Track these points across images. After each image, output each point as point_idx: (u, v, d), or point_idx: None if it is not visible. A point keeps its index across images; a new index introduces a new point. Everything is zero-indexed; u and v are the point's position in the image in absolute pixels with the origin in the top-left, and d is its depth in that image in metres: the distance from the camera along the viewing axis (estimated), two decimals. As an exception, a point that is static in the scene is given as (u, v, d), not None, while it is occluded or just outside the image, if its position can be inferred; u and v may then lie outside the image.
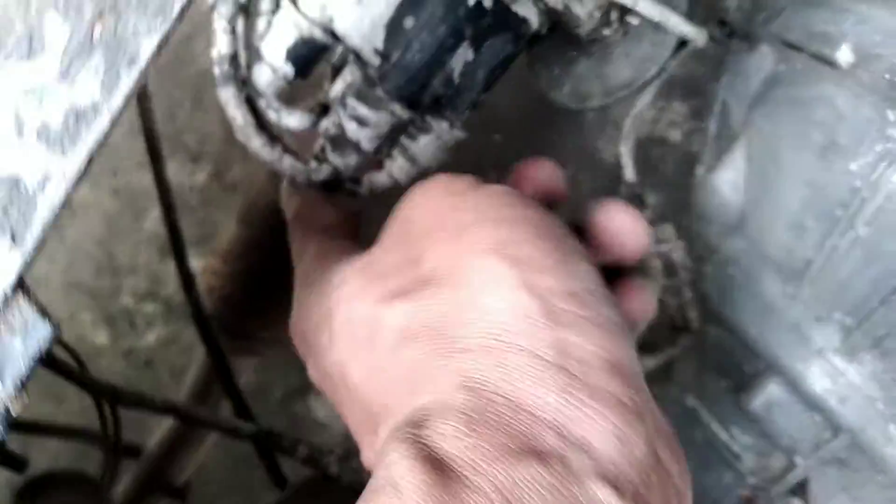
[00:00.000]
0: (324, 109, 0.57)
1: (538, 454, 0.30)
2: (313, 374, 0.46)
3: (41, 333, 0.27)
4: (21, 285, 0.27)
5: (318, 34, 0.51)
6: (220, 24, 0.48)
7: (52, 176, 0.25)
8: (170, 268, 0.86)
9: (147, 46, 0.24)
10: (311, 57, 0.52)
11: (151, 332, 1.31)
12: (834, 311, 0.64)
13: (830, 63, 0.61)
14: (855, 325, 0.63)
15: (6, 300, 0.27)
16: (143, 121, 0.71)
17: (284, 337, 0.49)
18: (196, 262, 0.88)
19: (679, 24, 0.50)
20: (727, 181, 0.72)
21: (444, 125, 0.54)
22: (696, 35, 0.51)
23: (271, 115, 0.54)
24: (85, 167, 0.25)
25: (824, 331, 0.65)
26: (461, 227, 0.39)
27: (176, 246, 0.80)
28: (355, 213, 0.57)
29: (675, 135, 1.19)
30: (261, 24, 0.53)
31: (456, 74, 0.51)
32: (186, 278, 0.84)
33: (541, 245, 0.37)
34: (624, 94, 0.53)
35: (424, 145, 0.55)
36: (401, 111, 0.50)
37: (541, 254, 0.37)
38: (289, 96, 0.55)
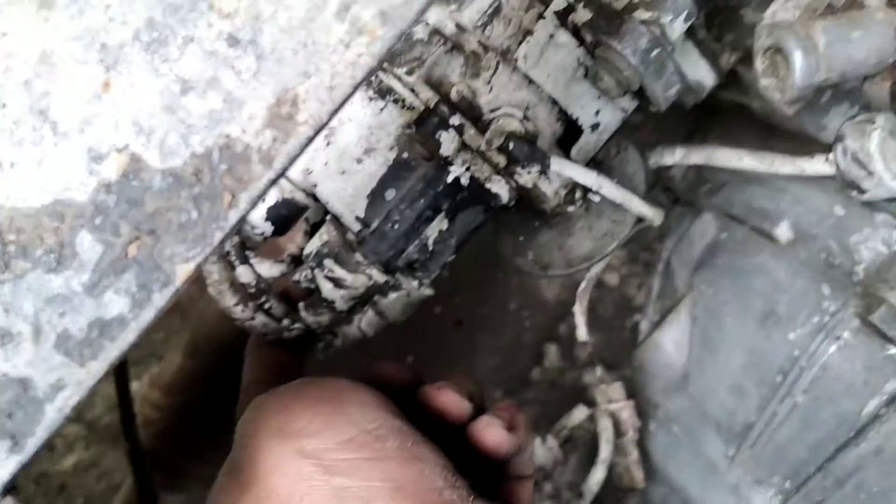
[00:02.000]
0: (295, 260, 0.59)
1: None
2: None
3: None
4: (12, 488, 0.26)
5: (300, 197, 0.53)
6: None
7: (66, 385, 0.25)
8: (101, 388, 0.82)
9: (183, 271, 0.24)
10: (290, 217, 0.54)
11: (70, 455, 1.24)
12: (773, 474, 0.67)
13: (770, 237, 0.66)
14: (793, 490, 0.65)
15: (-6, 502, 0.26)
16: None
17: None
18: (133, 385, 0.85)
19: (639, 206, 0.54)
20: (671, 339, 0.76)
21: (414, 284, 0.56)
22: (655, 216, 0.55)
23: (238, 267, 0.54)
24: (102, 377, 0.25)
25: (764, 494, 0.67)
26: (256, 426, 0.44)
27: (120, 369, 0.77)
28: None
29: (613, 278, 1.25)
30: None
31: (431, 242, 0.53)
32: (126, 407, 0.81)
33: (311, 413, 0.42)
34: (583, 268, 0.56)
35: (393, 301, 0.57)
36: (377, 275, 0.51)
37: (309, 421, 0.42)
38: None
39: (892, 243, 0.60)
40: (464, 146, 0.50)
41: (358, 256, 0.51)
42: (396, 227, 0.51)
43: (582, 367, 0.81)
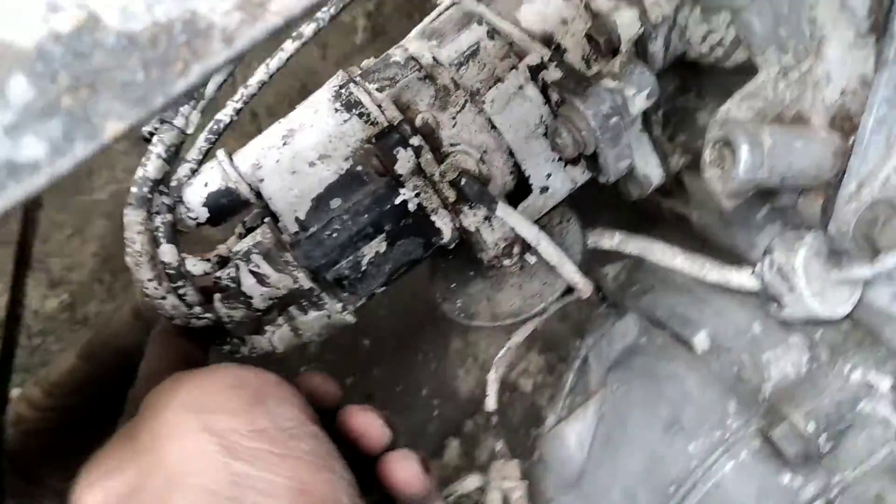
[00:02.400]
0: (222, 261, 0.57)
1: None
2: None
3: None
4: None
5: (244, 189, 0.52)
6: (157, 149, 0.48)
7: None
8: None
9: (113, 129, 0.23)
10: (228, 209, 0.53)
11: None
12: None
13: (687, 345, 0.67)
14: None
15: None
16: (22, 229, 0.67)
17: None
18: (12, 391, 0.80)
19: (572, 273, 0.55)
20: (575, 433, 0.75)
21: (338, 306, 0.55)
22: (584, 286, 0.56)
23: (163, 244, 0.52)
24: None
25: None
26: (168, 398, 0.42)
27: (5, 364, 0.72)
28: None
29: (527, 384, 1.24)
30: (182, 169, 0.53)
31: (365, 261, 0.53)
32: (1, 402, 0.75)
33: (229, 393, 0.41)
34: (507, 323, 0.56)
35: (312, 320, 0.55)
36: (303, 280, 0.50)
37: (226, 400, 0.40)
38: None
39: (802, 365, 0.62)
40: (418, 170, 0.50)
41: (288, 256, 0.50)
42: (335, 235, 0.51)
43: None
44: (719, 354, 0.65)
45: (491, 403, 0.67)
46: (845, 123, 0.51)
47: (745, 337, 0.65)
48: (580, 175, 0.58)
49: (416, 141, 0.49)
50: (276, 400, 0.42)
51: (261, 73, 0.53)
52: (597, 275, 0.81)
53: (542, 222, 0.59)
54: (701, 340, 0.66)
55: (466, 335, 1.31)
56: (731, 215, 0.67)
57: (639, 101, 0.51)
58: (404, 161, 0.49)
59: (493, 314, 0.57)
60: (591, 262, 1.07)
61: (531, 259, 0.57)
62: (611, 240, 0.63)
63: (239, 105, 0.52)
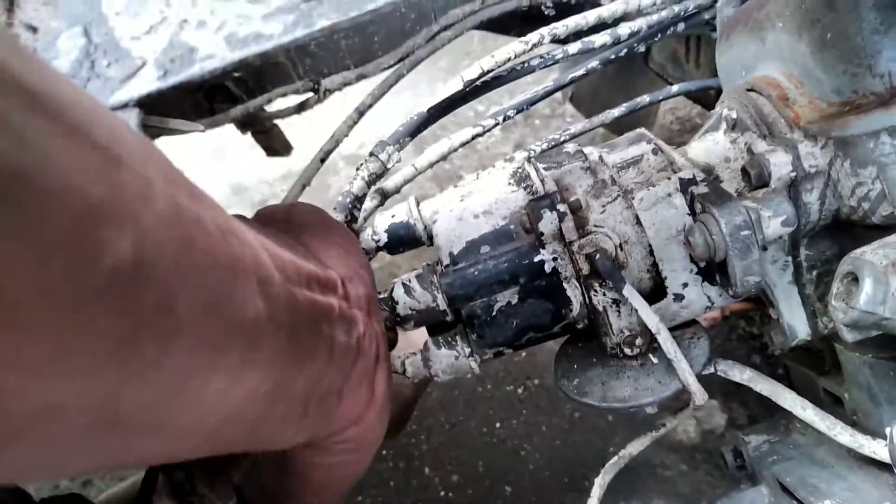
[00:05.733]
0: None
1: None
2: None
3: None
4: None
5: (420, 228, 0.63)
6: (362, 173, 0.62)
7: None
8: None
9: (321, 24, 0.36)
10: (403, 240, 0.64)
11: None
12: None
13: (809, 514, 0.64)
14: None
15: None
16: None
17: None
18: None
19: (686, 372, 0.58)
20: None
21: (466, 350, 0.62)
22: (698, 391, 0.58)
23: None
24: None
25: None
26: None
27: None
28: None
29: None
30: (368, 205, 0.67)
31: (496, 308, 0.60)
32: None
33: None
34: (614, 407, 0.59)
35: (442, 355, 0.63)
36: (441, 301, 0.59)
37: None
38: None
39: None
40: (560, 237, 0.58)
41: (434, 278, 0.59)
42: (476, 274, 0.59)
43: None
44: (838, 527, 0.61)
45: (592, 506, 0.67)
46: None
47: (872, 512, 0.61)
48: (717, 296, 0.61)
49: (562, 208, 0.58)
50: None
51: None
52: (738, 441, 0.79)
53: (674, 333, 0.62)
54: (822, 509, 0.63)
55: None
56: (879, 393, 0.65)
57: (774, 226, 0.55)
58: (548, 221, 0.57)
59: (603, 396, 0.60)
60: (734, 427, 1.05)
61: (654, 359, 0.61)
62: (741, 374, 0.64)
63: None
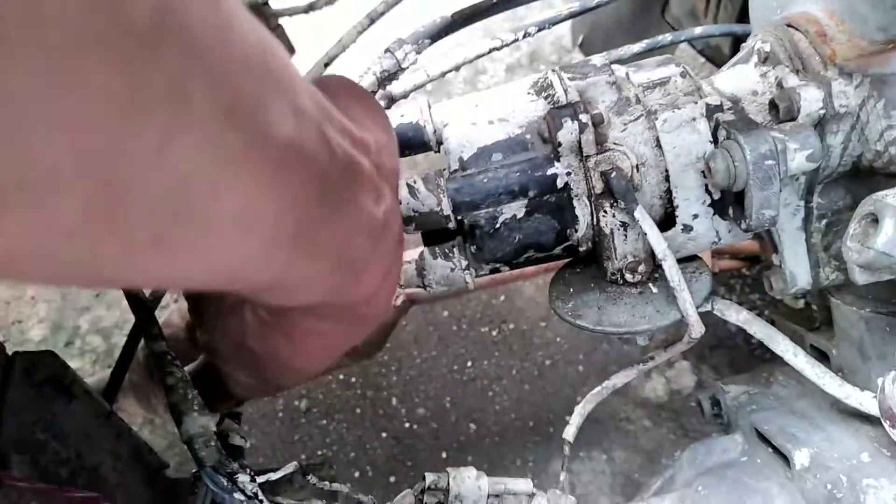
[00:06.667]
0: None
1: None
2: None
3: None
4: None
5: (429, 130, 0.60)
6: (374, 68, 0.61)
7: None
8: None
9: None
10: (411, 142, 0.61)
11: None
12: None
13: (786, 460, 0.64)
14: None
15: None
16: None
17: None
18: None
19: (687, 303, 0.56)
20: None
21: (463, 262, 0.60)
22: (696, 323, 0.57)
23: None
24: None
25: None
26: None
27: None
28: None
29: None
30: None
31: (501, 220, 0.58)
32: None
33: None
34: (608, 331, 0.58)
35: (437, 265, 0.61)
36: (445, 206, 0.56)
37: None
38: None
39: (904, 505, 0.57)
40: (577, 150, 0.56)
41: (441, 182, 0.57)
42: (485, 181, 0.57)
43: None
44: (816, 471, 0.61)
45: (570, 433, 0.67)
46: None
47: (849, 462, 0.61)
48: (725, 232, 0.60)
49: (584, 118, 0.55)
50: None
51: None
52: (716, 390, 0.79)
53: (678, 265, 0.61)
54: (802, 456, 0.63)
55: (571, 464, 1.28)
56: (871, 348, 0.65)
57: (799, 158, 0.54)
58: (567, 131, 0.55)
59: (598, 320, 0.59)
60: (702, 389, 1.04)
61: (654, 288, 0.59)
62: (737, 314, 0.63)
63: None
